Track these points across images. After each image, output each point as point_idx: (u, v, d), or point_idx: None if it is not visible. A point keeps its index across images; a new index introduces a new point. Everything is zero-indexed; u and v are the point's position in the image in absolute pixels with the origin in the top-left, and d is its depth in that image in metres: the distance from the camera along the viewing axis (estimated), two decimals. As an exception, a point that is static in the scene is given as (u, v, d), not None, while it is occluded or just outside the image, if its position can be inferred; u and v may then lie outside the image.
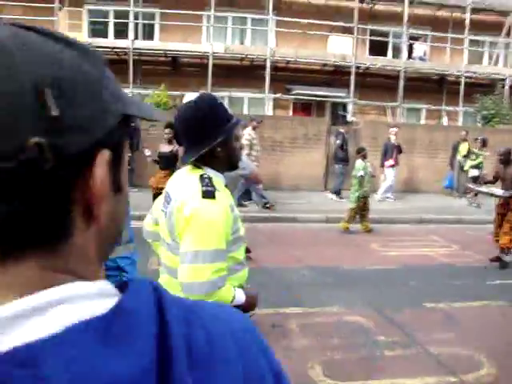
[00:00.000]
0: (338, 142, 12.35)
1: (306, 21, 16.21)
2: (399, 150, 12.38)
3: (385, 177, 12.55)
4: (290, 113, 17.65)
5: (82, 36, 16.19)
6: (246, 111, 17.28)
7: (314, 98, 17.16)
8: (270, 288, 5.80)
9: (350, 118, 17.17)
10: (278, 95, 16.80)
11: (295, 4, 17.09)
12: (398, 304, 5.46)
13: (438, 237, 9.16)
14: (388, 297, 5.71)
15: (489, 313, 5.40)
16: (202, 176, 2.02)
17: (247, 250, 7.24)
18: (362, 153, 9.16)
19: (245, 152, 10.82)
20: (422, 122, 18.28)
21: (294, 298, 5.59)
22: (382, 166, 12.48)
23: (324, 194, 12.76)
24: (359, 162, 9.11)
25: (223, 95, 16.94)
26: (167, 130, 7.74)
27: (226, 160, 2.12)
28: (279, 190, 12.99)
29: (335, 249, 7.94)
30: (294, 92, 17.02)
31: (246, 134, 10.93)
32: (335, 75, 17.39)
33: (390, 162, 12.34)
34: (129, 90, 15.87)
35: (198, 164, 2.08)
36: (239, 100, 17.65)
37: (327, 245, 8.20)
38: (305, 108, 17.82)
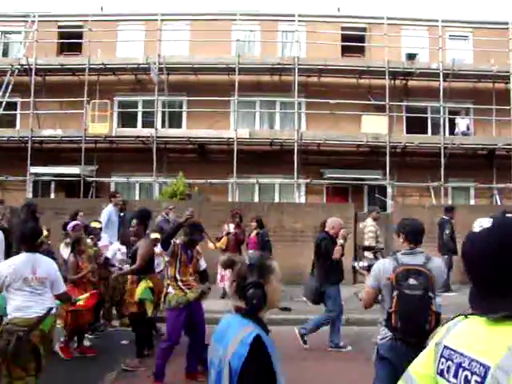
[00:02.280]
0: (447, 231, 10.75)
1: (336, 101, 15.45)
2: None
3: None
4: (324, 198, 16.48)
5: (110, 126, 16.20)
6: (277, 198, 16.36)
7: (349, 182, 15.99)
8: None
9: (389, 201, 15.80)
10: (309, 180, 15.79)
11: (324, 85, 16.44)
12: None
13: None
14: None
15: None
16: None
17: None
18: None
19: (367, 242, 9.79)
20: (472, 201, 16.50)
21: None
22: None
23: (353, 290, 11.18)
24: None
25: (251, 182, 16.20)
26: (135, 221, 6.73)
27: None
28: (302, 285, 11.59)
29: (339, 364, 6.42)
30: (326, 176, 15.96)
31: (370, 226, 9.96)
32: (371, 156, 16.24)
33: None
34: (151, 179, 15.47)
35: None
36: (269, 187, 16.78)
37: (319, 359, 6.68)
38: (340, 192, 16.60)
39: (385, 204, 15.77)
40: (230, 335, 2.10)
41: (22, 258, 4.37)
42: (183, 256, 5.56)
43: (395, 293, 3.66)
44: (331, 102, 15.47)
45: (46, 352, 4.34)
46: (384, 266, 3.85)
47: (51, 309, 4.32)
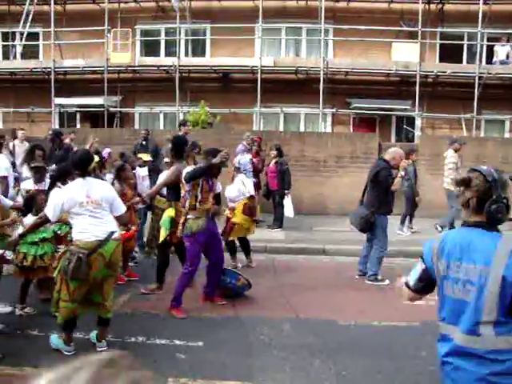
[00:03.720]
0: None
1: (365, 27, 14.71)
2: None
3: None
4: (350, 129, 16.08)
5: (132, 55, 15.92)
6: (302, 128, 16.04)
7: (377, 112, 15.48)
8: (224, 348, 4.53)
9: (417, 133, 15.32)
10: (335, 110, 15.36)
11: (353, 10, 15.59)
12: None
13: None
14: (377, 374, 4.17)
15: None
16: None
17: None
18: None
19: (450, 176, 9.56)
20: (507, 135, 15.85)
21: (244, 366, 4.26)
22: None
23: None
24: None
25: (276, 111, 15.88)
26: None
27: None
28: (324, 215, 11.57)
29: (351, 294, 6.42)
30: (353, 106, 15.47)
31: (451, 158, 9.75)
32: (400, 86, 15.60)
33: None
34: (175, 108, 15.31)
35: None
36: (295, 116, 16.42)
37: (343, 287, 6.69)
38: (367, 123, 16.14)
39: (413, 135, 15.31)
40: (481, 250, 2.20)
41: (76, 183, 4.44)
42: (205, 186, 5.46)
43: None
44: (360, 28, 14.74)
45: (110, 278, 4.43)
46: None
47: (112, 233, 4.33)
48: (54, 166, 8.52)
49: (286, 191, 9.63)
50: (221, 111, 14.78)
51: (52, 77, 15.68)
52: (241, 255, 7.53)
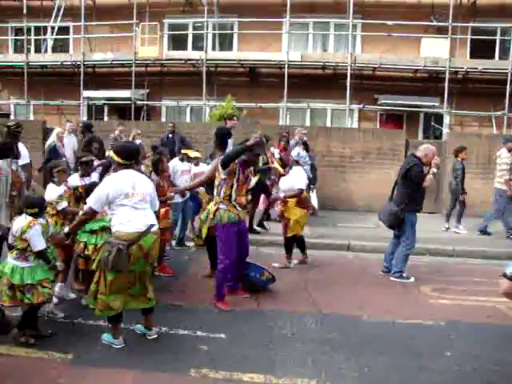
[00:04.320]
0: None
1: (393, 22, 14.52)
2: None
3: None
4: (377, 125, 15.90)
5: (160, 49, 16.04)
6: (329, 124, 15.93)
7: (404, 109, 15.27)
8: (246, 340, 4.53)
9: (445, 130, 15.06)
10: (361, 106, 15.20)
11: (382, 5, 15.38)
12: (407, 386, 3.87)
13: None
14: (400, 372, 4.11)
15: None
16: None
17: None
18: None
19: (505, 177, 9.42)
20: (539, 133, 15.43)
21: (266, 359, 4.25)
22: None
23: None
24: None
25: (303, 107, 15.80)
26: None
27: None
28: (350, 211, 11.47)
29: (375, 290, 6.35)
30: (380, 102, 15.29)
31: (505, 158, 9.60)
32: (429, 82, 15.37)
33: None
34: (201, 102, 15.37)
35: None
36: (321, 112, 16.33)
37: (367, 284, 6.62)
38: (394, 119, 15.95)
39: (441, 133, 15.06)
40: None
41: (122, 174, 4.39)
42: (241, 176, 5.39)
43: None
44: (389, 23, 14.56)
45: (147, 271, 4.44)
46: None
47: (152, 226, 4.33)
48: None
49: (311, 186, 9.58)
50: (247, 106, 14.78)
51: (81, 70, 15.93)
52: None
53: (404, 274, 6.85)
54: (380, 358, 4.34)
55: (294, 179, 7.17)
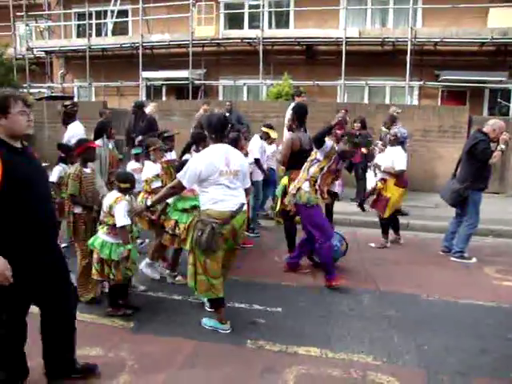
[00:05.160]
0: None
1: (457, -7, 13.82)
2: None
3: None
4: (439, 102, 15.31)
5: (216, 29, 16.07)
6: (387, 101, 15.51)
7: (467, 84, 14.60)
8: (303, 315, 4.54)
9: (512, 107, 14.32)
10: (422, 82, 14.67)
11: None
12: (469, 368, 3.77)
13: None
14: (460, 353, 4.01)
15: None
16: None
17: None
18: None
19: None
20: None
21: (322, 333, 4.25)
22: None
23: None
24: None
25: (361, 84, 15.44)
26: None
27: None
28: (409, 190, 11.15)
29: (434, 270, 6.20)
30: (442, 78, 14.68)
31: None
32: (496, 56, 14.57)
33: None
34: (258, 81, 15.33)
35: None
36: (380, 89, 15.90)
37: (426, 263, 6.47)
38: (457, 96, 15.29)
39: (508, 109, 14.32)
40: None
41: (215, 149, 4.15)
42: (333, 164, 5.31)
43: None
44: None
45: (235, 250, 4.35)
46: None
47: (243, 205, 4.19)
48: (140, 137, 8.81)
49: (368, 164, 9.37)
50: (305, 84, 14.57)
51: (140, 51, 16.24)
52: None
53: (465, 254, 6.63)
54: (440, 338, 4.25)
55: (395, 159, 7.00)
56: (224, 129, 4.26)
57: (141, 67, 16.27)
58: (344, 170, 6.91)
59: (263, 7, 15.51)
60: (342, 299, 5.08)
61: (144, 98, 16.62)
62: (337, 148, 5.27)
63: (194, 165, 4.07)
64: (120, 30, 18.16)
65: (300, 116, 6.08)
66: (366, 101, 15.54)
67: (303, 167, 5.45)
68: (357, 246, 7.16)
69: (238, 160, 4.21)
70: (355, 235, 7.71)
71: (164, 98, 17.36)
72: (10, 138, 2.92)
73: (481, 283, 5.78)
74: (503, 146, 6.41)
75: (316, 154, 5.31)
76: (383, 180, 7.07)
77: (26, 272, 2.89)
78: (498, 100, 14.79)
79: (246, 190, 4.40)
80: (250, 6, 16.67)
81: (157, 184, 5.40)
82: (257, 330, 4.31)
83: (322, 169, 5.27)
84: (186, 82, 15.98)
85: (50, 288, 3.10)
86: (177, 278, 5.41)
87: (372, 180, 8.77)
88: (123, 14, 17.66)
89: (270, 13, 16.27)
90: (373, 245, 7.21)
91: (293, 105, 9.51)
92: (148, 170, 5.52)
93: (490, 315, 4.81)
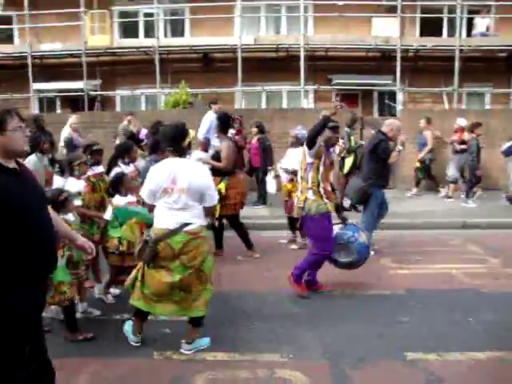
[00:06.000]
0: None
1: (344, 2, 14.66)
2: None
3: None
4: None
5: (111, 38, 15.70)
6: (285, 106, 15.99)
7: (358, 88, 15.47)
8: (205, 322, 4.56)
9: (399, 107, 15.37)
10: (316, 86, 15.33)
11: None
12: (366, 352, 4.00)
13: (480, 247, 7.41)
14: (357, 340, 4.25)
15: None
16: None
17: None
18: None
19: None
20: (487, 107, 15.95)
21: (228, 337, 4.31)
22: None
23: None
24: None
25: (258, 90, 15.80)
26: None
27: None
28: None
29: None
30: (335, 82, 15.45)
31: None
32: (381, 61, 15.60)
33: None
34: (156, 90, 15.18)
35: None
36: (277, 94, 16.38)
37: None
38: (349, 99, 16.10)
39: (395, 110, 15.36)
40: None
41: (163, 164, 4.01)
42: (327, 159, 5.16)
43: None
44: (339, 3, 14.68)
45: (191, 275, 3.97)
46: None
47: (186, 225, 3.88)
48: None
49: (268, 168, 9.61)
50: (202, 91, 14.67)
51: (29, 61, 15.42)
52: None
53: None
54: (341, 329, 4.48)
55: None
56: (182, 140, 4.06)
57: (31, 78, 15.45)
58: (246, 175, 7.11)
59: (158, 15, 15.41)
60: (247, 302, 5.17)
61: (37, 111, 15.81)
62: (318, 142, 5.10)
63: (147, 180, 4.09)
64: (6, 37, 17.11)
65: (224, 124, 6.53)
66: (263, 106, 15.93)
67: (299, 176, 5.35)
68: (262, 251, 7.27)
69: (189, 177, 3.89)
70: (258, 238, 7.84)
71: (59, 111, 16.60)
72: (3, 156, 2.53)
73: (378, 273, 6.13)
74: (400, 148, 6.86)
75: (306, 160, 5.14)
76: (291, 180, 7.24)
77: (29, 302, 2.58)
78: (386, 101, 15.80)
79: (207, 209, 4.09)
80: (145, 15, 16.49)
81: (77, 203, 4.97)
82: (163, 340, 4.27)
83: (318, 169, 5.12)
84: (82, 93, 15.41)
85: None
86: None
87: (272, 183, 9.00)
88: (7, 20, 16.61)
89: (165, 21, 16.21)
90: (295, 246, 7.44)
91: (211, 113, 9.63)
92: (70, 187, 5.16)
93: (386, 302, 5.13)
